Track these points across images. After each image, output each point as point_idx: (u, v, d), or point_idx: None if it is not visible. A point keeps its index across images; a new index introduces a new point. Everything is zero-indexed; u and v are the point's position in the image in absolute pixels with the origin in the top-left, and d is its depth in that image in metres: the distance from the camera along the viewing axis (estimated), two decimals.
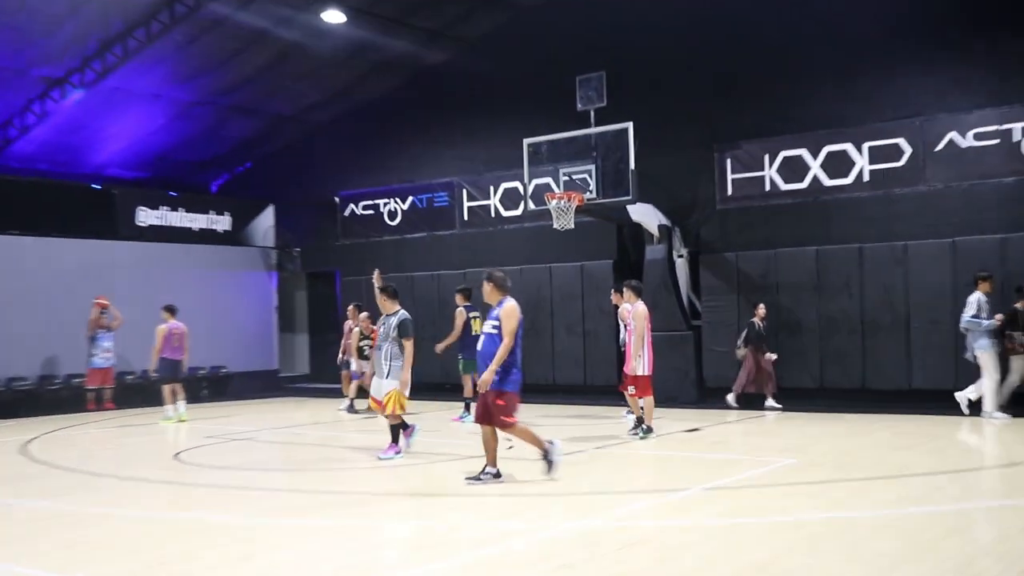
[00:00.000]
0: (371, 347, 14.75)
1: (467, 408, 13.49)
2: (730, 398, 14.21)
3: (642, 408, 11.33)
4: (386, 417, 10.06)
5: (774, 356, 14.16)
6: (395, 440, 10.06)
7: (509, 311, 8.33)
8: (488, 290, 8.51)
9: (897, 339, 13.97)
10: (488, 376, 8.26)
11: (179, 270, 19.06)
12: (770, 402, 14.07)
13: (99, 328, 16.63)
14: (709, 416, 13.46)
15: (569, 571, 5.57)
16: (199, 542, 6.65)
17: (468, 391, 13.49)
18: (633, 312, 11.29)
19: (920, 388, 13.77)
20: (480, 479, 8.41)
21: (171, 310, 14.59)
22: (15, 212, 17.18)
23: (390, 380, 9.91)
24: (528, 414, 13.86)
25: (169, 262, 19.02)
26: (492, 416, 8.35)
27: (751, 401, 14.19)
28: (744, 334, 14.21)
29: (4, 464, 10.69)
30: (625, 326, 11.93)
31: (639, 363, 11.20)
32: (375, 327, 13.85)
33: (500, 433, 8.53)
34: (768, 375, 14.14)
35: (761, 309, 14.24)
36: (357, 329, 15.30)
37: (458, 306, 13.79)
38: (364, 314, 15.25)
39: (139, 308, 16.93)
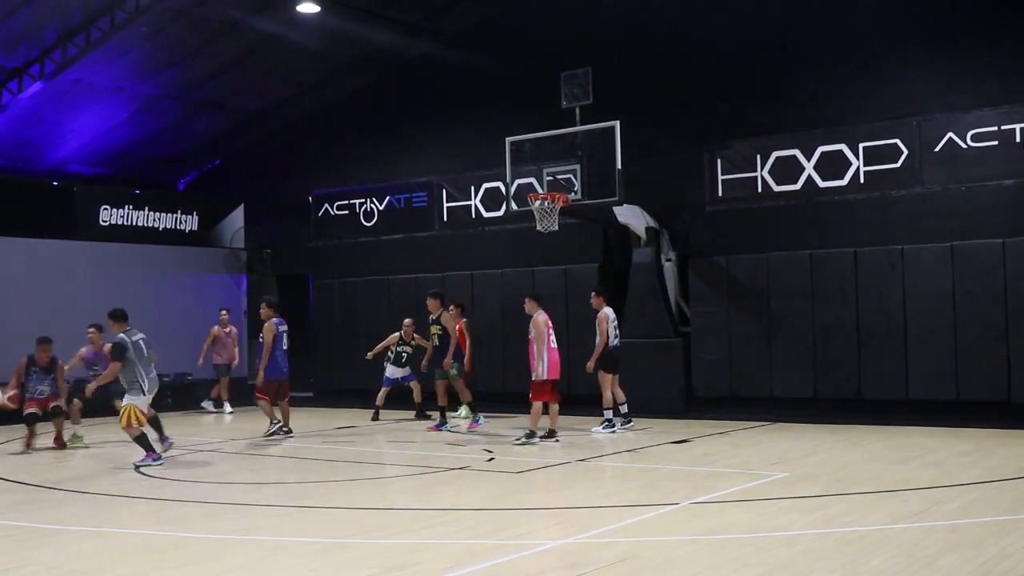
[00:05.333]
0: (410, 354, 15.21)
1: (442, 415, 13.79)
2: None
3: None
4: (125, 431, 10.76)
5: None
6: (147, 448, 10.75)
7: None
8: None
9: (893, 347, 13.58)
10: None
11: (143, 272, 18.49)
12: None
13: None
14: (697, 427, 13.15)
15: None
16: (158, 560, 6.26)
17: (470, 397, 13.92)
18: (534, 321, 11.92)
19: (917, 399, 13.40)
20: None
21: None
22: None
23: (127, 396, 10.68)
24: (508, 425, 13.63)
25: (132, 263, 18.41)
26: None
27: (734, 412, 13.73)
28: None
29: None
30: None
31: (541, 369, 11.78)
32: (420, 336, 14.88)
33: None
34: None
35: None
36: (397, 335, 15.29)
37: (445, 311, 13.88)
38: (408, 320, 15.42)
39: (100, 312, 16.35)
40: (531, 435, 11.73)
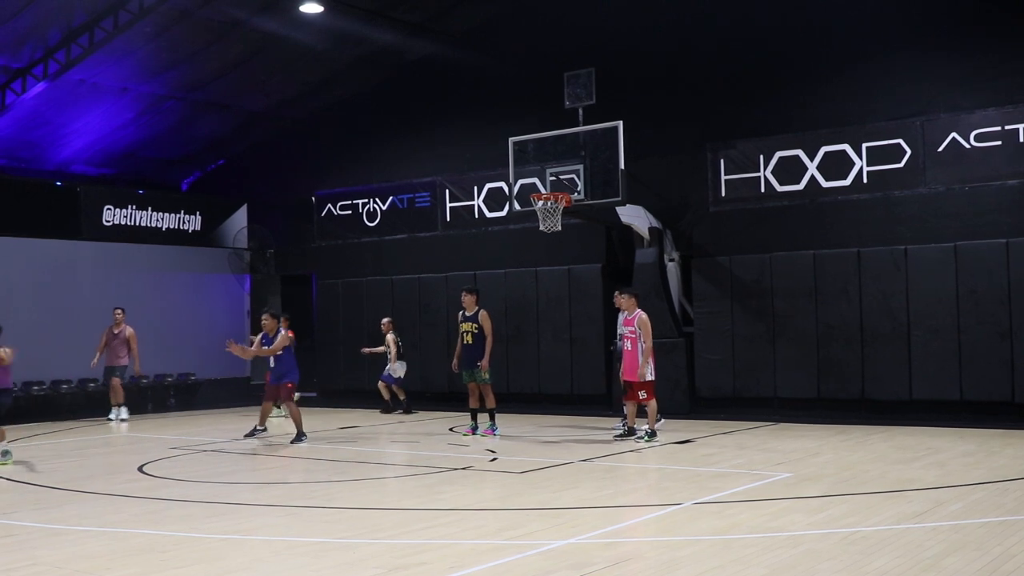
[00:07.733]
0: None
1: (474, 418, 12.89)
2: None
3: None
4: None
5: None
6: None
7: None
8: None
9: (897, 348, 13.55)
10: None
11: (147, 272, 18.54)
12: None
13: None
14: (701, 427, 13.13)
15: None
16: (161, 560, 6.24)
17: (494, 403, 12.91)
18: (640, 320, 11.80)
19: (921, 399, 13.38)
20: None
21: None
22: None
23: None
24: (513, 425, 13.62)
25: (136, 264, 18.48)
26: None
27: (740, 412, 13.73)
28: None
29: None
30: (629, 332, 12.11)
31: (648, 369, 11.76)
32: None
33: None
34: None
35: None
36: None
37: (481, 309, 12.83)
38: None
39: (104, 312, 16.36)
40: (653, 434, 11.82)
